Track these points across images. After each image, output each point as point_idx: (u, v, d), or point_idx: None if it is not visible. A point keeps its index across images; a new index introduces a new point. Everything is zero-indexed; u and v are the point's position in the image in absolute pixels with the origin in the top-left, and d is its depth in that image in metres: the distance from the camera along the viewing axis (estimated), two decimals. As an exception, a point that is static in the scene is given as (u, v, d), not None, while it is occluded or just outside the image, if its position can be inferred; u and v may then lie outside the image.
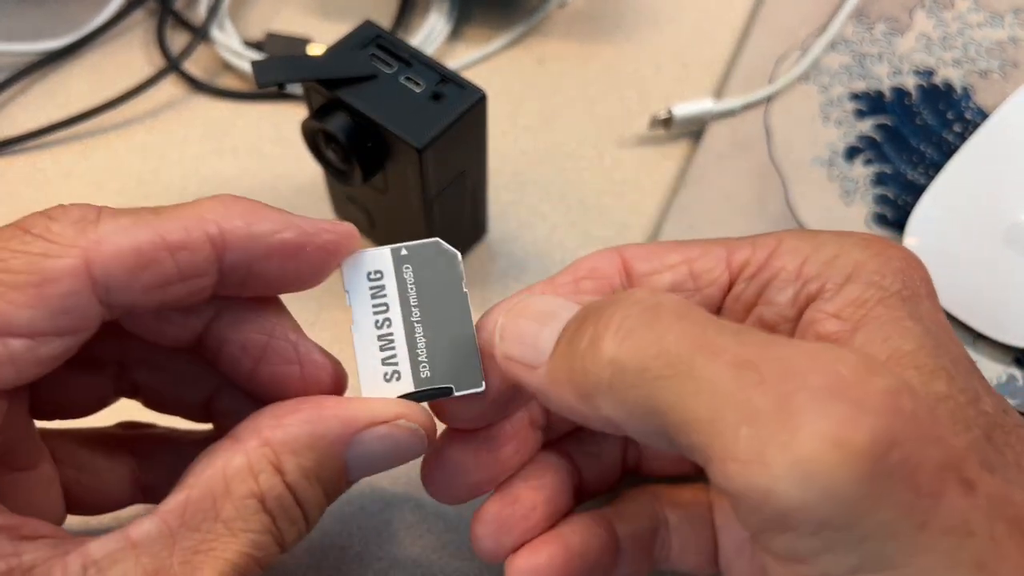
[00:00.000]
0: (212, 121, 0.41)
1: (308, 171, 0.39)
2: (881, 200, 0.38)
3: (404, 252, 0.24)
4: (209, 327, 0.23)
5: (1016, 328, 0.34)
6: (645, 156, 0.40)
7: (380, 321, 0.23)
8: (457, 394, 0.23)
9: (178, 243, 0.20)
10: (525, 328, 0.21)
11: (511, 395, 0.23)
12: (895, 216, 0.37)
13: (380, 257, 0.23)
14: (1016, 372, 0.33)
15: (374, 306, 0.23)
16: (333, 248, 0.22)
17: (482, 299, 0.36)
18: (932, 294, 0.21)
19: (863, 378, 0.15)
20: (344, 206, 0.36)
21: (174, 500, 0.20)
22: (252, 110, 0.42)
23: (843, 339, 0.20)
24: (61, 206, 0.20)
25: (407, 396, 0.23)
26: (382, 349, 0.23)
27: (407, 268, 0.23)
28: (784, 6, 0.45)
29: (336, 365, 0.24)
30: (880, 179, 0.39)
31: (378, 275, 0.23)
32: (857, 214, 0.38)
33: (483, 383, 0.23)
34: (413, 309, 0.23)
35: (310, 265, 0.22)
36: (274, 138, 0.41)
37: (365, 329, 0.23)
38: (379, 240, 0.36)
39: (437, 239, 0.24)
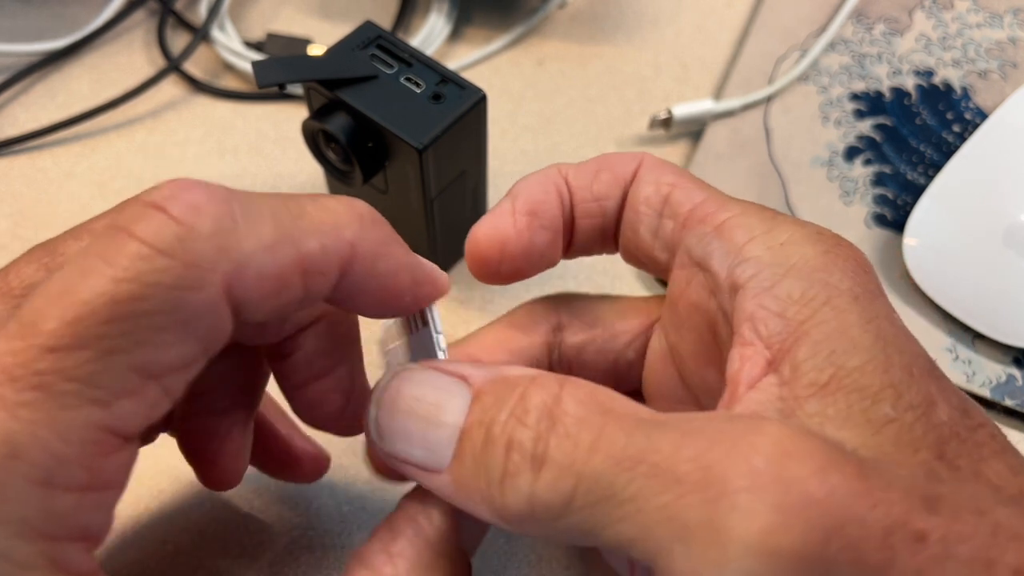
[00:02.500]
0: (213, 121, 0.41)
1: (308, 171, 0.39)
2: (881, 200, 0.38)
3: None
4: (297, 333, 0.22)
5: (1015, 328, 0.34)
6: (645, 156, 0.40)
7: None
8: None
9: (313, 266, 0.18)
10: (409, 426, 0.19)
11: None
12: (895, 216, 0.37)
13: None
14: (1015, 372, 0.33)
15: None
16: (428, 300, 0.21)
17: (482, 299, 0.36)
18: (883, 294, 0.20)
19: (781, 467, 0.15)
20: (344, 206, 0.36)
21: None
22: (252, 110, 0.42)
23: (784, 351, 0.18)
24: (188, 201, 0.16)
25: None
26: None
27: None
28: (784, 7, 0.45)
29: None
30: (880, 179, 0.39)
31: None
32: (857, 214, 0.38)
33: None
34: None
35: (399, 307, 0.21)
36: (275, 138, 0.41)
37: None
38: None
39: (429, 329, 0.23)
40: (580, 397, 0.18)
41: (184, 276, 0.16)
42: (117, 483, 0.17)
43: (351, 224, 0.19)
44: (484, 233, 0.23)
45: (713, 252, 0.21)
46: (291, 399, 0.23)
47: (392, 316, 0.22)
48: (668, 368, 0.23)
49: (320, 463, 0.28)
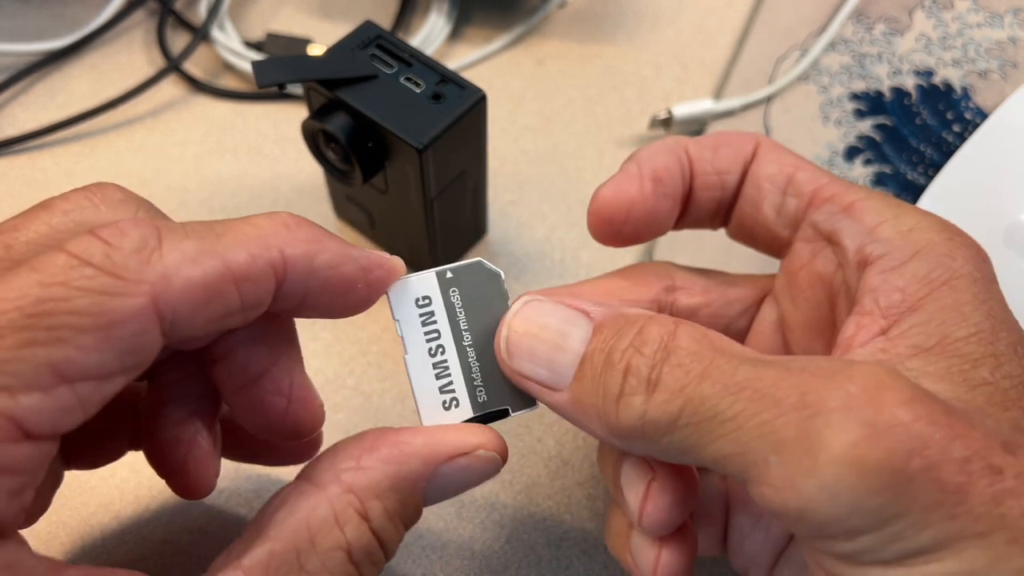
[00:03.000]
0: (212, 121, 0.41)
1: (308, 171, 0.39)
2: (881, 200, 0.38)
3: (449, 275, 0.23)
4: (223, 336, 0.22)
5: (1015, 328, 0.34)
6: (645, 156, 0.40)
7: (434, 349, 0.23)
8: (514, 414, 0.23)
9: (243, 274, 0.19)
10: (536, 347, 0.21)
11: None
12: (895, 216, 0.37)
13: (427, 282, 0.23)
14: (1015, 372, 0.33)
15: (426, 333, 0.23)
16: (381, 285, 0.22)
17: (482, 299, 0.36)
18: (996, 281, 0.22)
19: (874, 395, 0.17)
20: (344, 206, 0.36)
21: (257, 553, 0.19)
22: (252, 110, 0.42)
23: (897, 320, 0.20)
24: (116, 226, 0.18)
25: (467, 420, 0.23)
26: (438, 377, 0.23)
27: (454, 291, 0.23)
28: (784, 6, 0.45)
29: (320, 411, 0.24)
30: (880, 179, 0.39)
31: (427, 301, 0.23)
32: (857, 214, 0.38)
33: (538, 403, 0.23)
34: (464, 333, 0.23)
35: (358, 298, 0.22)
36: (274, 138, 0.41)
37: (419, 357, 0.23)
38: (379, 240, 0.36)
39: (480, 259, 0.23)
40: (694, 334, 0.19)
41: (108, 284, 0.17)
42: (19, 471, 0.17)
43: (276, 231, 0.20)
44: (611, 194, 0.24)
45: (843, 229, 0.22)
46: (233, 407, 0.23)
47: (351, 312, 0.22)
48: (776, 338, 0.25)
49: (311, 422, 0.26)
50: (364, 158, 0.30)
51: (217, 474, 0.24)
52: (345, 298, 0.21)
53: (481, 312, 0.23)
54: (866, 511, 0.16)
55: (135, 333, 0.17)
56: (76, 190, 0.20)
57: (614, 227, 0.24)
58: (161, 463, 0.23)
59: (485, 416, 0.23)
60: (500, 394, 0.23)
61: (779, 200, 0.24)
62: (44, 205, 0.20)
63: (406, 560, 0.30)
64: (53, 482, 0.23)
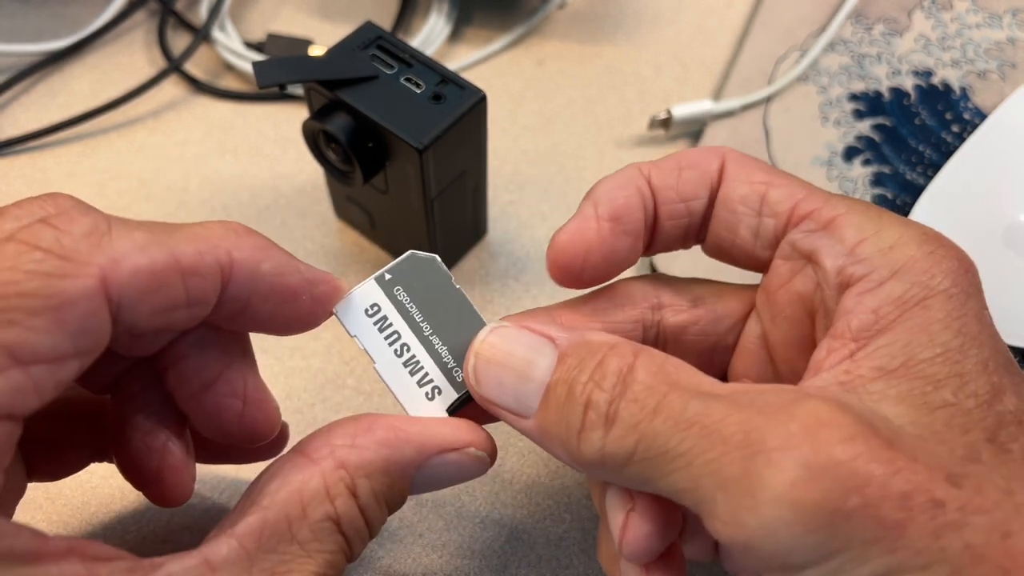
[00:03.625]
0: (213, 121, 0.41)
1: (309, 171, 0.39)
2: (880, 200, 0.38)
3: (388, 276, 0.24)
4: (174, 342, 0.22)
5: (1015, 328, 0.34)
6: (645, 156, 0.40)
7: (398, 349, 0.23)
8: None
9: (190, 268, 0.19)
10: (502, 376, 0.22)
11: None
12: (894, 216, 0.38)
13: (369, 292, 0.24)
14: (1014, 371, 0.34)
15: (386, 338, 0.23)
16: (327, 300, 0.22)
17: (482, 298, 0.36)
18: (979, 293, 0.22)
19: (813, 433, 0.17)
20: (345, 206, 0.36)
21: (250, 522, 0.20)
22: (253, 110, 0.42)
23: (867, 339, 0.20)
24: (66, 214, 0.18)
25: (453, 404, 0.23)
26: (412, 373, 0.23)
27: (398, 289, 0.24)
28: (783, 7, 0.45)
29: (277, 412, 0.24)
30: (879, 179, 0.39)
31: (376, 308, 0.24)
32: (856, 214, 0.38)
33: None
34: (421, 324, 0.24)
35: (301, 313, 0.22)
36: (275, 138, 0.41)
37: (388, 362, 0.23)
38: (380, 240, 0.36)
39: (411, 251, 0.24)
40: (650, 367, 0.20)
41: (58, 266, 0.17)
42: None
43: (226, 235, 0.20)
44: (568, 240, 0.23)
45: (823, 248, 0.22)
46: (190, 413, 0.23)
47: (298, 326, 0.22)
48: (761, 353, 0.25)
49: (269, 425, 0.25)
50: (364, 158, 0.30)
51: (193, 479, 0.24)
52: (289, 308, 0.22)
53: (431, 299, 0.24)
54: (806, 547, 0.17)
55: (85, 314, 0.18)
56: (30, 198, 0.20)
57: (574, 273, 0.24)
58: (135, 475, 0.24)
59: (469, 394, 0.23)
60: None
61: (755, 222, 0.23)
62: None
63: (406, 559, 0.30)
64: (16, 493, 0.23)
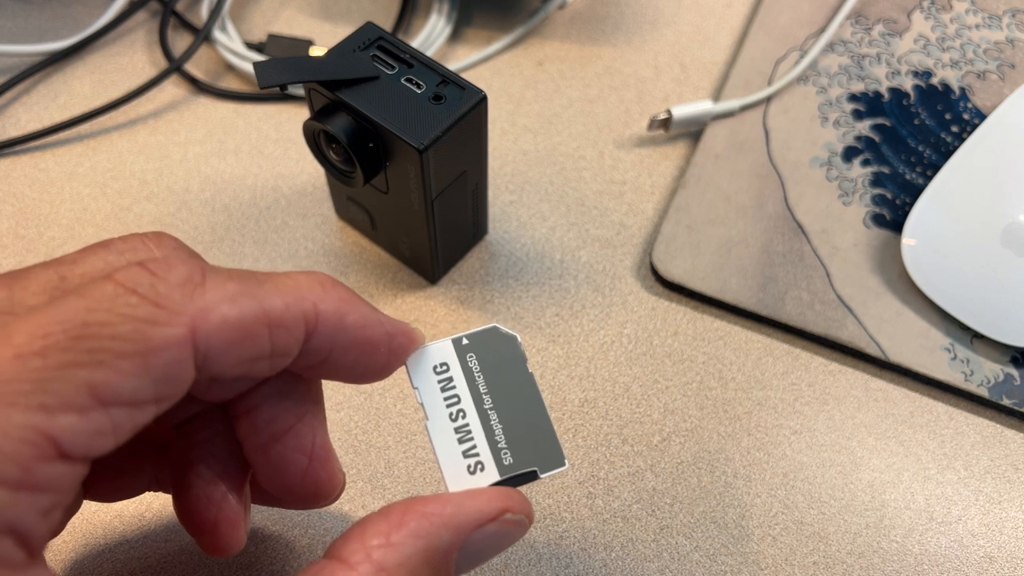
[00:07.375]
0: (214, 122, 0.41)
1: (310, 172, 0.39)
2: (879, 200, 0.38)
3: (465, 341, 0.24)
4: (250, 390, 0.22)
5: (1013, 327, 0.34)
6: (644, 157, 0.41)
7: (454, 413, 0.23)
8: (543, 476, 0.23)
9: (277, 319, 0.19)
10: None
11: None
12: (893, 216, 0.38)
13: (443, 350, 0.23)
14: (1013, 371, 0.34)
15: (445, 399, 0.23)
16: (403, 352, 0.23)
17: (482, 298, 0.36)
18: None
19: None
20: (345, 206, 0.36)
21: None
22: (254, 111, 0.42)
23: None
24: (165, 260, 0.19)
25: (493, 485, 0.23)
26: (461, 441, 0.23)
27: (471, 356, 0.23)
28: (782, 8, 0.45)
29: (341, 475, 0.24)
30: (878, 179, 0.39)
31: (444, 367, 0.23)
32: (855, 214, 0.38)
33: (566, 461, 0.23)
34: (484, 396, 0.23)
35: (379, 363, 0.22)
36: (276, 139, 0.41)
37: (440, 423, 0.23)
38: (380, 240, 0.37)
39: (495, 325, 0.24)
40: None
41: (151, 313, 0.18)
42: (53, 490, 0.17)
43: (312, 288, 0.21)
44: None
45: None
46: (255, 463, 0.23)
47: (373, 377, 0.23)
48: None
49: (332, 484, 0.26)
50: (365, 159, 0.30)
51: (247, 532, 0.24)
52: (368, 360, 0.22)
53: (500, 375, 0.23)
54: None
55: (171, 362, 0.18)
56: (135, 234, 0.21)
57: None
58: (192, 522, 0.24)
59: (511, 479, 0.23)
60: (527, 456, 0.23)
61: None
62: (103, 243, 0.20)
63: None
64: (70, 511, 0.23)
